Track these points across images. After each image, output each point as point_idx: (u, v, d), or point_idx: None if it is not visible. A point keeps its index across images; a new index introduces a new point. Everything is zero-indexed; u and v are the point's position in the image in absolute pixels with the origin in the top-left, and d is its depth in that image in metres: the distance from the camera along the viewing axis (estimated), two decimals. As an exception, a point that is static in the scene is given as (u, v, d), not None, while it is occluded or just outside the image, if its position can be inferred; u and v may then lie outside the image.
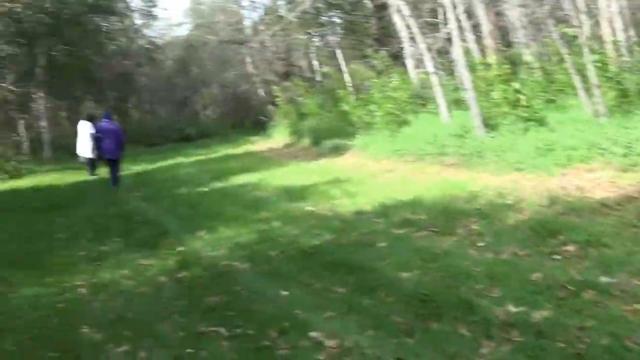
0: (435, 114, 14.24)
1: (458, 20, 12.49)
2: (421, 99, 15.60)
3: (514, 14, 16.00)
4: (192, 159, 21.63)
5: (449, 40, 14.30)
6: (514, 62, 14.27)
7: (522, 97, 11.21)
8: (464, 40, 13.77)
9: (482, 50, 15.70)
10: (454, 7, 12.22)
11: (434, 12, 17.39)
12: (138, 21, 39.19)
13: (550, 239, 5.95)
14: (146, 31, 39.84)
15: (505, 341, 3.96)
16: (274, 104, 28.88)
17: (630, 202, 6.82)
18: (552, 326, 4.05)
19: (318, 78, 28.61)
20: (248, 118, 37.15)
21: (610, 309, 4.22)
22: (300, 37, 29.43)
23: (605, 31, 13.18)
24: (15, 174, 20.11)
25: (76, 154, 18.30)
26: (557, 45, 11.71)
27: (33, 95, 28.00)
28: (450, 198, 8.40)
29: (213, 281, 6.05)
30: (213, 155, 22.17)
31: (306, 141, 21.09)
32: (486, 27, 15.91)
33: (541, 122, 10.83)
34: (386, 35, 22.67)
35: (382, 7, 21.38)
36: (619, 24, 13.06)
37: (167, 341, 4.65)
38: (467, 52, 13.18)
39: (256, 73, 36.34)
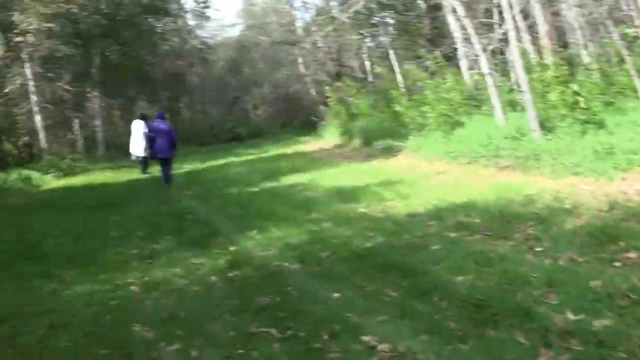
0: (489, 115, 14.00)
1: (514, 20, 12.25)
2: (475, 101, 15.37)
3: (571, 14, 15.64)
4: (243, 158, 21.80)
5: (504, 40, 14.05)
6: (571, 64, 13.94)
7: (580, 99, 10.93)
8: (519, 40, 13.50)
9: (538, 51, 15.39)
10: (511, 7, 12.00)
11: (488, 13, 17.12)
12: (191, 22, 39.79)
13: (610, 245, 5.73)
14: (199, 32, 40.38)
15: (564, 350, 3.82)
16: (325, 104, 28.87)
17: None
18: (613, 335, 3.88)
19: (370, 78, 28.49)
20: (298, 118, 37.28)
21: (675, 319, 4.05)
22: (353, 37, 29.32)
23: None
24: (70, 172, 20.58)
25: (129, 153, 18.59)
26: (617, 46, 11.40)
27: (88, 95, 28.58)
28: (505, 201, 8.22)
29: (264, 281, 6.03)
30: (263, 155, 22.28)
31: (357, 142, 21.02)
32: (542, 27, 15.59)
33: (600, 124, 10.53)
34: (439, 36, 22.43)
35: (436, 8, 21.14)
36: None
37: (218, 341, 4.65)
38: (523, 52, 12.91)
39: (308, 73, 36.41)
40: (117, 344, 4.74)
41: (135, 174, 18.18)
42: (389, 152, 16.68)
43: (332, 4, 28.14)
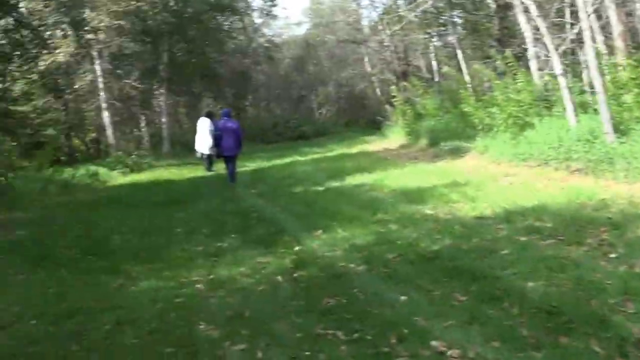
0: (560, 117, 13.67)
1: (588, 21, 11.92)
2: (546, 102, 15.02)
3: (645, 15, 15.20)
4: (308, 157, 21.84)
5: (575, 41, 13.70)
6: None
7: (657, 101, 10.60)
8: (593, 41, 13.14)
9: (612, 52, 14.97)
10: (585, 6, 11.69)
11: (560, 12, 16.73)
12: (258, 20, 40.13)
13: (689, 252, 5.55)
14: (265, 30, 40.72)
15: (642, 361, 3.69)
16: (390, 103, 28.71)
17: None
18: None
19: (436, 78, 28.22)
20: (363, 117, 37.27)
21: None
22: (420, 36, 29.09)
23: None
24: (136, 168, 21.02)
25: (194, 150, 18.84)
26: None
27: (154, 92, 29.12)
28: (577, 206, 8.03)
29: (329, 282, 6.00)
30: (328, 154, 22.27)
31: (423, 142, 20.82)
32: (616, 28, 15.15)
33: (678, 128, 10.20)
34: (508, 36, 22.02)
35: (506, 7, 20.78)
36: None
37: (283, 341, 4.63)
38: (598, 53, 12.56)
39: (373, 72, 36.34)
40: (182, 342, 4.78)
41: (199, 172, 18.42)
42: (456, 153, 16.47)
43: (400, 2, 27.90)
